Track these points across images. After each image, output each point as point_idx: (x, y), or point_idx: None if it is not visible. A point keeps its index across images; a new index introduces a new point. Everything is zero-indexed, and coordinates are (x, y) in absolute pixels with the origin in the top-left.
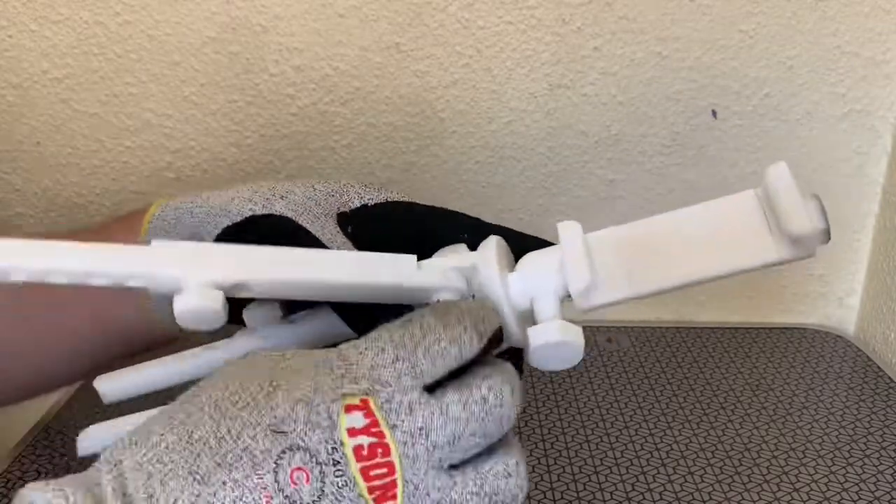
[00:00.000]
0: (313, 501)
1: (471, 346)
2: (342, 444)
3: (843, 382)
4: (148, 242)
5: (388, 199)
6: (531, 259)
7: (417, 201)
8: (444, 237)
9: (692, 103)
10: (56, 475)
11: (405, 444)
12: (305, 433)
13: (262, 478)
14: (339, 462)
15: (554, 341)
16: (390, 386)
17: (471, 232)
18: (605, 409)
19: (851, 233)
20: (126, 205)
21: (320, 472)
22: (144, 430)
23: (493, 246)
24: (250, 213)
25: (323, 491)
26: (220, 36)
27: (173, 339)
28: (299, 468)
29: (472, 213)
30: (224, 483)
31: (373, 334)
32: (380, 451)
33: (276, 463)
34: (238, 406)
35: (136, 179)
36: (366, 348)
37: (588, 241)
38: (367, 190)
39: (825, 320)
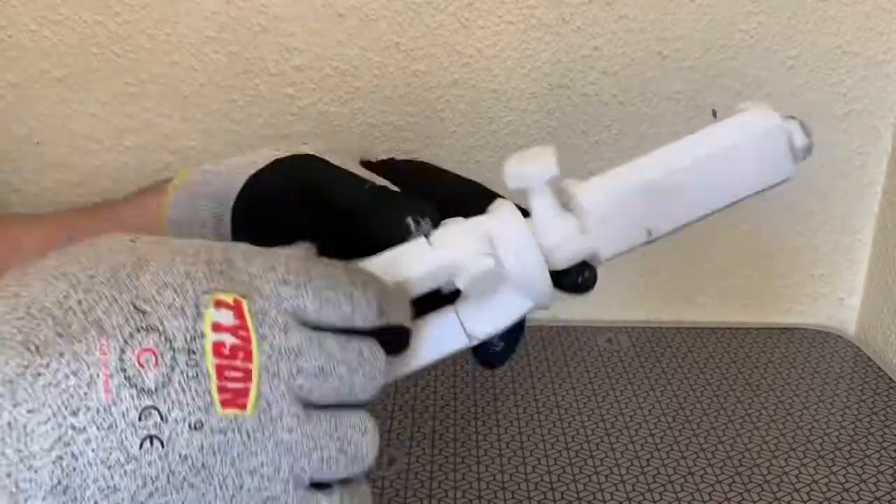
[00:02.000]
0: (156, 388)
1: (365, 313)
2: (203, 335)
3: (843, 383)
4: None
5: (415, 160)
6: (552, 218)
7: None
8: (464, 200)
9: (692, 103)
10: None
11: (270, 356)
12: (166, 317)
13: (105, 353)
14: (194, 352)
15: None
16: (268, 300)
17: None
18: (605, 410)
19: (852, 233)
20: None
21: (171, 359)
22: None
23: (509, 205)
24: (273, 157)
25: (169, 378)
26: (219, 36)
27: None
28: (148, 350)
29: None
30: (61, 354)
31: (274, 249)
32: (241, 354)
33: (124, 340)
34: (95, 279)
35: (135, 179)
36: (255, 256)
37: (604, 200)
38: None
39: (825, 320)
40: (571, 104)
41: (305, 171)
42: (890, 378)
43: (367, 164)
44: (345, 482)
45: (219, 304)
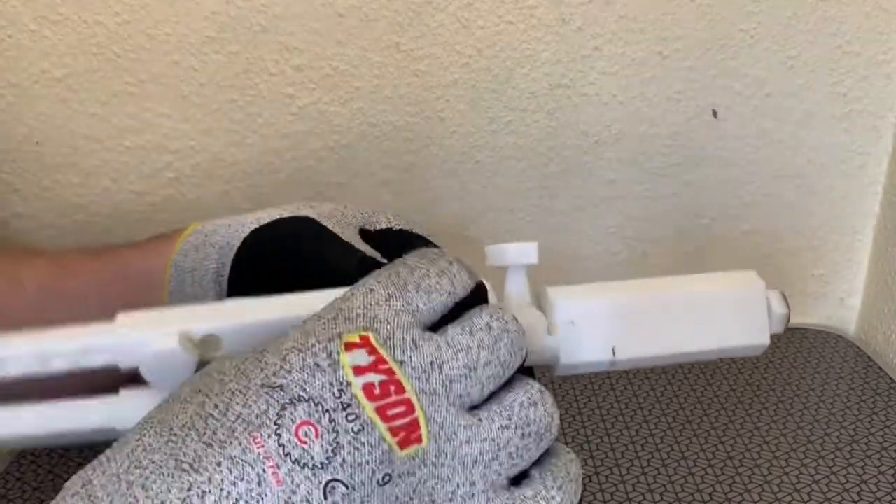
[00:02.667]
0: (328, 458)
1: (461, 280)
2: (349, 384)
3: (843, 383)
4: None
5: (413, 230)
6: (521, 308)
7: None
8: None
9: (693, 103)
10: (55, 476)
11: (419, 379)
12: (305, 381)
13: (262, 446)
14: (349, 405)
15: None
16: (388, 323)
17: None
18: (605, 410)
19: (852, 233)
20: (125, 205)
21: (330, 422)
22: (118, 444)
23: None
24: (278, 216)
25: (337, 443)
26: (219, 35)
27: None
28: (305, 422)
29: (473, 213)
30: (219, 464)
31: (358, 282)
32: (393, 388)
33: (276, 424)
34: (223, 381)
35: (135, 179)
36: (352, 293)
37: (576, 306)
38: (396, 218)
39: (826, 320)
40: (571, 104)
41: (301, 234)
42: (890, 378)
43: (365, 233)
44: (539, 461)
45: (349, 347)
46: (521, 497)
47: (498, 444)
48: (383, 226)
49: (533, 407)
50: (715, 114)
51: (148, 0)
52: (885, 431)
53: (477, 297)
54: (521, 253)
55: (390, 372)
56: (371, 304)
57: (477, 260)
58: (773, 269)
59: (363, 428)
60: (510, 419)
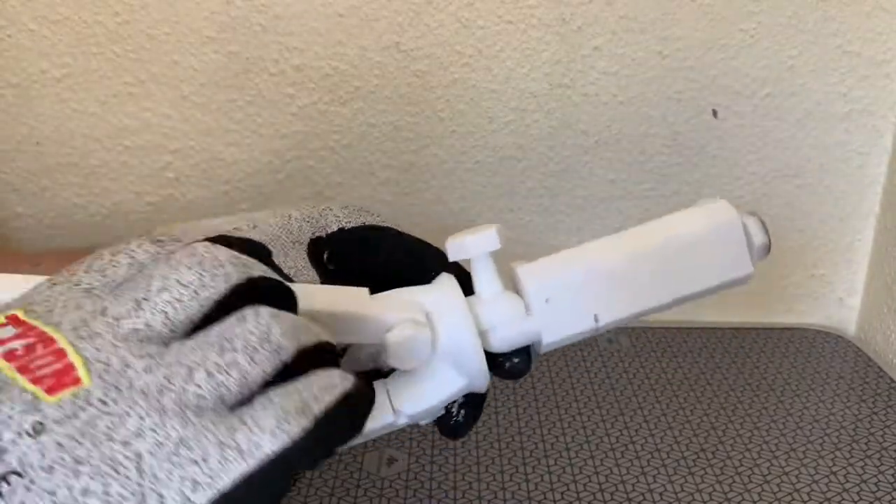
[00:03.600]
0: None
1: (139, 245)
2: None
3: (843, 383)
4: None
5: (365, 223)
6: (493, 297)
7: (392, 225)
8: (411, 270)
9: (693, 103)
10: None
11: (76, 328)
12: None
13: None
14: None
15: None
16: (47, 301)
17: (436, 267)
18: (605, 410)
19: (852, 233)
20: (125, 205)
21: None
22: None
23: (450, 279)
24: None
25: None
26: (219, 35)
27: None
28: None
29: (473, 213)
30: None
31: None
32: (40, 346)
33: None
34: None
35: (135, 179)
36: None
37: (550, 281)
38: (346, 212)
39: (826, 320)
40: (572, 104)
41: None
42: (890, 378)
43: (316, 243)
44: (279, 381)
45: None
46: (238, 414)
47: (189, 366)
48: (334, 227)
49: (241, 323)
50: (715, 114)
51: (148, 0)
52: (884, 431)
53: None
54: (480, 243)
55: (40, 334)
56: (31, 295)
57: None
58: (774, 269)
59: (2, 388)
60: (206, 338)
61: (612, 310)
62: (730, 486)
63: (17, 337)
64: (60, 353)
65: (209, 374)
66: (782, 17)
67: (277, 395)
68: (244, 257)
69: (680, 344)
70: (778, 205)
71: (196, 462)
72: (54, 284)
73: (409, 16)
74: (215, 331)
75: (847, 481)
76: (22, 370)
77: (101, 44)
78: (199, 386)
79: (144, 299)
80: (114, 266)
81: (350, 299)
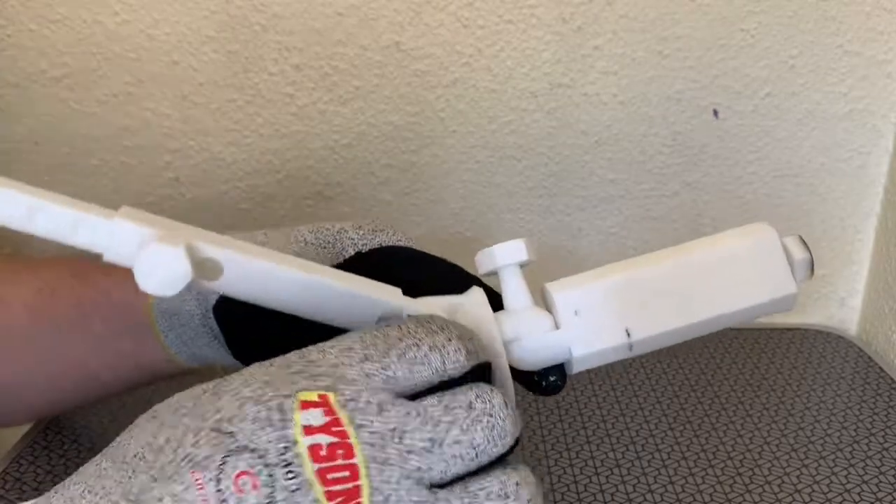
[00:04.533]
0: None
1: (456, 359)
2: (295, 442)
3: (844, 383)
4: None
5: (382, 244)
6: (521, 309)
7: (409, 244)
8: (429, 288)
9: (693, 103)
10: (54, 476)
11: (373, 445)
12: (254, 432)
13: (202, 488)
14: (290, 463)
15: None
16: (355, 384)
17: (456, 286)
18: (605, 411)
19: (853, 233)
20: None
21: (269, 476)
22: (84, 466)
23: (479, 291)
24: None
25: (273, 497)
26: (219, 35)
27: (184, 372)
28: (245, 472)
29: (473, 213)
30: (160, 500)
31: (341, 335)
32: (341, 452)
33: (218, 468)
34: (179, 413)
35: (134, 179)
36: (330, 347)
37: (579, 292)
38: (360, 234)
39: (827, 321)
40: (572, 104)
41: None
42: (891, 378)
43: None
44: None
45: (305, 406)
46: None
47: None
48: (350, 251)
49: (502, 500)
50: (715, 114)
51: (148, 0)
52: (886, 432)
53: (476, 375)
54: (508, 253)
55: (343, 434)
56: (342, 364)
57: (474, 263)
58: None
59: (300, 487)
60: (474, 500)
61: (645, 325)
62: (731, 487)
63: (324, 429)
64: (354, 472)
65: None
66: (782, 17)
67: None
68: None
69: (680, 344)
70: (778, 205)
71: None
72: (366, 360)
73: (409, 15)
74: (481, 499)
75: (848, 482)
76: (321, 477)
77: (100, 43)
78: None
79: (438, 445)
80: (422, 365)
81: (383, 290)
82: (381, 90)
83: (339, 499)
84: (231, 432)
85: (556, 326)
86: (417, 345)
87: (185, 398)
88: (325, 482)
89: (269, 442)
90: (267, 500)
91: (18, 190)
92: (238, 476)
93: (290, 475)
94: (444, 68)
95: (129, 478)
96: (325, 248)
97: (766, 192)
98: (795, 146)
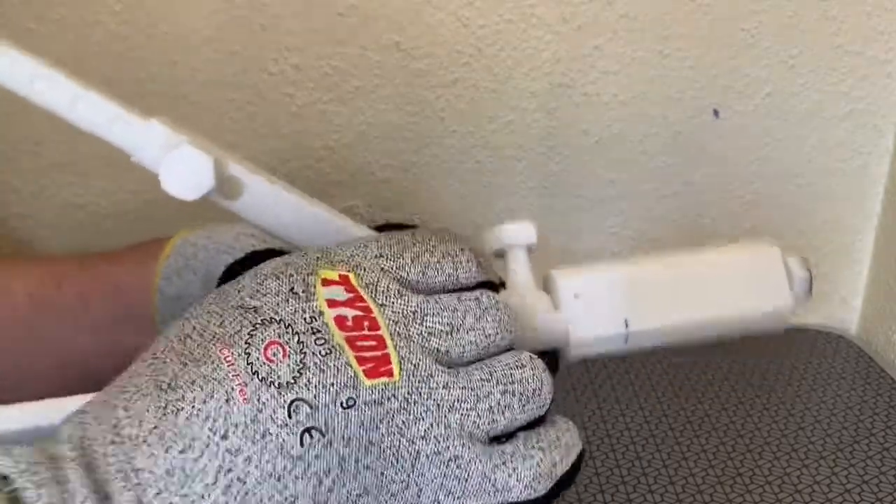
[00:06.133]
0: (294, 378)
1: (467, 268)
2: (321, 313)
3: (845, 383)
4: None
5: (388, 220)
6: (523, 290)
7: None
8: None
9: (694, 103)
10: None
11: (397, 323)
12: (278, 304)
13: (232, 364)
14: (319, 331)
15: None
16: (373, 272)
17: None
18: (605, 411)
19: (853, 233)
20: (125, 205)
21: (298, 343)
22: (117, 378)
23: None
24: (251, 249)
25: (303, 363)
26: (219, 35)
27: None
28: (274, 342)
29: (473, 213)
30: (192, 382)
31: (359, 237)
32: (366, 323)
33: (246, 343)
34: (204, 304)
35: (134, 179)
36: (345, 245)
37: (580, 278)
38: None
39: (827, 320)
40: (572, 103)
41: None
42: (892, 378)
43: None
44: (531, 426)
45: (326, 282)
46: (500, 452)
47: (477, 395)
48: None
49: (520, 368)
50: (716, 113)
51: (148, 0)
52: (886, 432)
53: (485, 286)
54: (518, 233)
55: (367, 309)
56: (358, 255)
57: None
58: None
59: (331, 352)
60: (492, 374)
61: (644, 317)
62: (731, 488)
63: (347, 304)
64: (381, 341)
65: (490, 408)
66: (782, 17)
67: (535, 448)
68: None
69: (680, 343)
70: (778, 205)
71: (458, 479)
72: (380, 257)
73: (409, 15)
74: (499, 370)
75: (849, 482)
76: (350, 343)
77: (101, 44)
78: (480, 416)
79: (456, 330)
80: (435, 270)
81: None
82: (381, 90)
83: (370, 365)
84: (255, 307)
85: (555, 307)
86: (431, 251)
87: (210, 295)
88: (354, 348)
89: (295, 313)
90: (298, 367)
91: (66, 76)
92: (267, 346)
93: (321, 341)
94: (444, 68)
95: (160, 369)
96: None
97: (766, 192)
98: (796, 146)
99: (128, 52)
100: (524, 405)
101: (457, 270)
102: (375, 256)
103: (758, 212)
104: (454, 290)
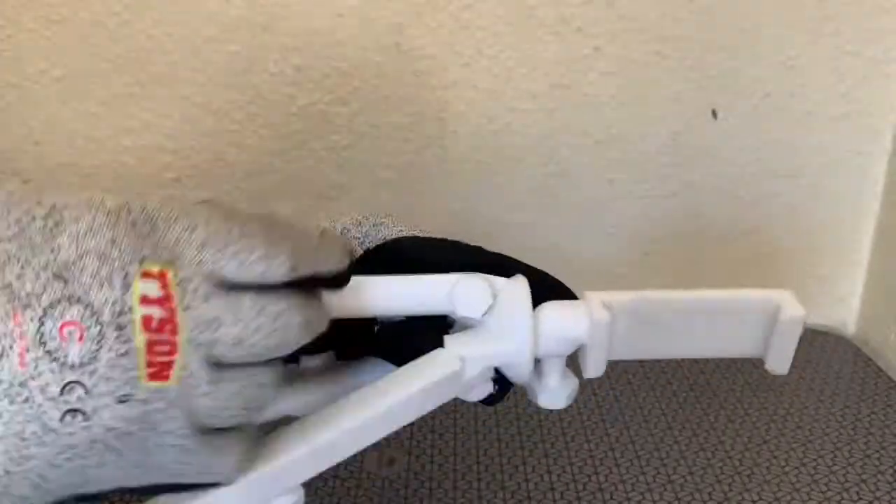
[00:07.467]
0: (80, 363)
1: (276, 272)
2: (131, 309)
3: (843, 382)
4: None
5: (386, 238)
6: (553, 315)
7: (411, 231)
8: (448, 264)
9: (692, 103)
10: None
11: (192, 329)
12: (92, 288)
13: (20, 324)
14: (123, 327)
15: (561, 406)
16: (191, 266)
17: (466, 258)
18: (605, 410)
19: (852, 233)
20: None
21: (99, 333)
22: None
23: (523, 282)
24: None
25: (96, 355)
26: (219, 35)
27: None
28: (72, 322)
29: (472, 214)
30: None
31: (195, 206)
32: (168, 327)
33: (44, 310)
34: (16, 238)
35: (134, 179)
36: (177, 217)
37: (611, 303)
38: (364, 231)
39: (825, 320)
40: (572, 104)
41: None
42: (889, 377)
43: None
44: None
45: (146, 275)
46: (213, 440)
47: (224, 405)
48: (358, 251)
49: (263, 388)
50: (715, 114)
51: (148, 0)
52: (884, 431)
53: (301, 285)
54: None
55: (173, 312)
56: (182, 242)
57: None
58: (774, 269)
59: (127, 353)
60: (243, 390)
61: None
62: (729, 486)
63: (158, 302)
64: (174, 347)
65: (228, 418)
66: (782, 17)
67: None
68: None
69: None
70: (778, 205)
71: (181, 464)
72: (204, 246)
73: (409, 16)
74: (252, 381)
75: (847, 481)
76: (149, 348)
77: (100, 44)
78: (219, 419)
79: (241, 343)
80: (248, 270)
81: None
82: (381, 91)
83: (154, 368)
84: (65, 279)
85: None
86: (252, 250)
87: (7, 215)
88: (149, 352)
89: (106, 302)
90: (91, 356)
91: None
92: (65, 324)
93: (121, 338)
94: (444, 69)
95: None
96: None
97: (765, 192)
98: (795, 146)
99: (128, 53)
100: (248, 416)
101: (266, 271)
102: (199, 246)
103: (757, 212)
104: (267, 288)
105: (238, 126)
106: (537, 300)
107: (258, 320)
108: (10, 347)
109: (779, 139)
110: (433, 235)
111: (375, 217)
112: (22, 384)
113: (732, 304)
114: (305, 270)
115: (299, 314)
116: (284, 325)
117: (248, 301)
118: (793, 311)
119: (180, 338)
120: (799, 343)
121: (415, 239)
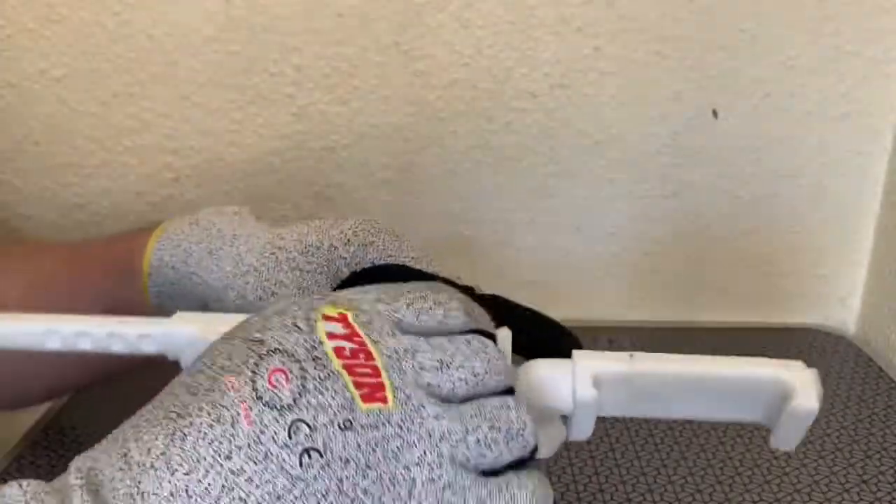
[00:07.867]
0: (294, 400)
1: (456, 316)
2: (321, 342)
3: (843, 383)
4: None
5: (374, 262)
6: (535, 381)
7: (401, 249)
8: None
9: (692, 103)
10: (55, 476)
11: (390, 357)
12: (283, 337)
13: (238, 391)
14: (319, 358)
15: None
16: (369, 313)
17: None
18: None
19: (852, 233)
20: (125, 205)
21: (300, 370)
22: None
23: (507, 336)
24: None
25: (304, 387)
26: (219, 35)
27: None
28: (278, 370)
29: (472, 214)
30: (200, 409)
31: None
32: (362, 355)
33: (252, 371)
34: (213, 345)
35: (135, 179)
36: (350, 290)
37: (600, 377)
38: (352, 252)
39: (826, 320)
40: (571, 104)
41: None
42: (890, 378)
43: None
44: (517, 467)
45: (326, 318)
46: (494, 481)
47: (466, 428)
48: (345, 272)
49: (506, 409)
50: (715, 114)
51: (148, 0)
52: (885, 431)
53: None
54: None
55: (362, 343)
56: (357, 298)
57: (474, 263)
58: (773, 269)
59: (329, 376)
60: (480, 411)
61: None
62: (730, 487)
63: (346, 338)
64: (376, 371)
65: (478, 441)
66: (782, 17)
67: (527, 480)
68: (510, 364)
69: (680, 344)
70: (778, 205)
71: None
72: (378, 301)
73: (409, 16)
74: (488, 408)
75: (847, 482)
76: (348, 370)
77: (100, 44)
78: (469, 448)
79: (446, 366)
80: (428, 315)
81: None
82: (381, 90)
83: (366, 390)
84: (260, 340)
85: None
86: (423, 298)
87: (217, 339)
88: (352, 373)
89: (297, 343)
90: (299, 390)
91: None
92: (272, 374)
93: (319, 366)
94: (443, 68)
95: (171, 401)
96: (320, 273)
97: (765, 192)
98: (795, 146)
99: (128, 53)
100: (509, 443)
101: (446, 317)
102: (373, 300)
103: (756, 212)
104: (446, 334)
105: (237, 126)
106: (530, 349)
107: (453, 345)
108: (238, 413)
109: (779, 139)
110: (422, 267)
111: (364, 235)
112: (256, 441)
113: (737, 383)
114: (482, 321)
115: (488, 341)
116: (482, 348)
117: (436, 336)
118: (807, 402)
119: (378, 363)
120: (799, 343)
121: (403, 268)
